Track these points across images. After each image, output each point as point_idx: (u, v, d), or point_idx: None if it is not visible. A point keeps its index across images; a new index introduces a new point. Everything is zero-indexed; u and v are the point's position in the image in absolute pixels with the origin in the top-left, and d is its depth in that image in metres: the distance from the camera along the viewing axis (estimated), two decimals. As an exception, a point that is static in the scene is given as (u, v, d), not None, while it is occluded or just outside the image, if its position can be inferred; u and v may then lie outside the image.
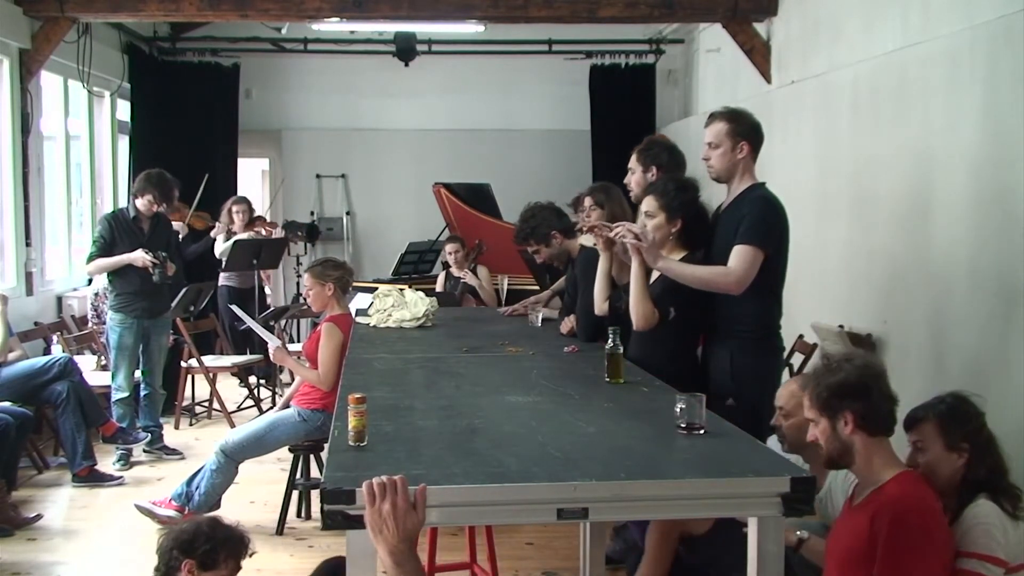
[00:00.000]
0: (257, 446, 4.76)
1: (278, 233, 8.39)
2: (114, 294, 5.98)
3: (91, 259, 5.95)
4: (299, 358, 5.08)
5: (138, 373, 6.14)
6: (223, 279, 7.93)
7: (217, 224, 7.85)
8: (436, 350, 4.07)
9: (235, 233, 7.88)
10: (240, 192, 9.20)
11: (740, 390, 3.50)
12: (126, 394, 6.00)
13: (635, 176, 4.18)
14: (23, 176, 6.77)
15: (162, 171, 6.06)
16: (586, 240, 4.27)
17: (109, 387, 6.33)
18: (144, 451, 6.09)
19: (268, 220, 8.61)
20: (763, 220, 3.50)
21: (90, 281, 7.59)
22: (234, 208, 7.98)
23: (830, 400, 2.64)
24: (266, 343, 5.04)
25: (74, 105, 7.94)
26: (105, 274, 6.13)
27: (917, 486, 2.63)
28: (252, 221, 8.12)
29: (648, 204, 3.64)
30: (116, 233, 5.91)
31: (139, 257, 5.82)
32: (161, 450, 6.18)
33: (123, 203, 8.38)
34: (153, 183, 5.93)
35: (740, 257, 3.45)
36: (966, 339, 4.39)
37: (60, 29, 6.84)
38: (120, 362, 5.97)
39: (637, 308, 3.50)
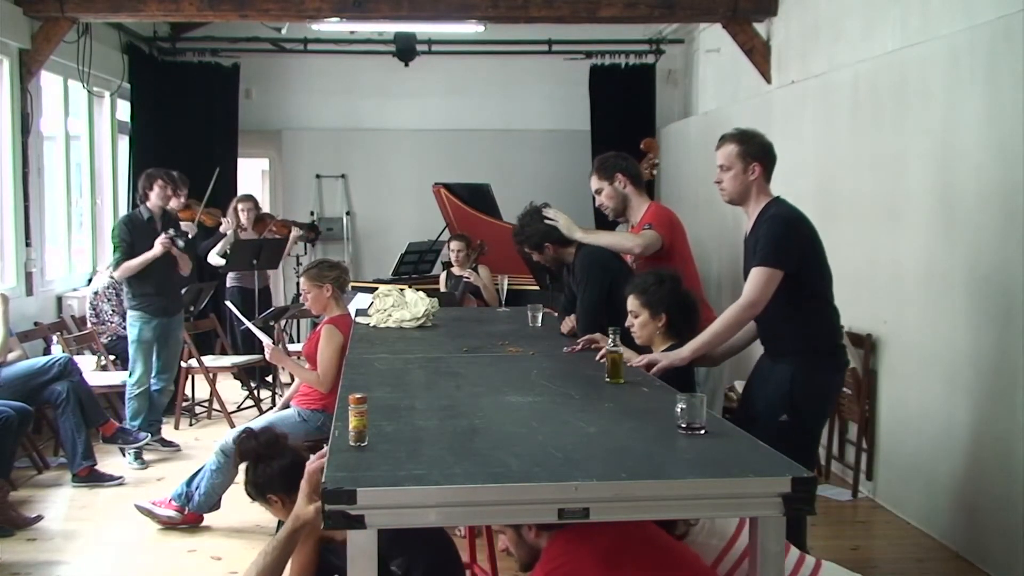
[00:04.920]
0: None
1: (294, 233, 8.36)
2: (131, 294, 6.04)
3: (118, 264, 5.99)
4: (299, 358, 5.08)
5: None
6: (231, 280, 7.93)
7: (225, 221, 7.82)
8: (436, 350, 4.06)
9: (244, 230, 7.87)
10: (241, 192, 9.19)
11: (797, 407, 3.48)
12: (143, 388, 6.06)
13: (605, 192, 4.41)
14: (23, 176, 6.77)
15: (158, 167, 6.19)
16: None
17: (109, 387, 6.42)
18: (121, 453, 6.09)
19: (279, 219, 8.57)
20: (772, 239, 3.47)
21: (89, 281, 7.60)
22: (240, 206, 7.95)
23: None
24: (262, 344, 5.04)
25: (74, 105, 7.93)
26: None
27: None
28: (260, 219, 8.10)
29: (631, 303, 3.67)
30: (134, 234, 5.97)
31: (160, 243, 5.90)
32: (159, 442, 6.20)
33: (123, 203, 8.40)
34: (155, 172, 6.07)
35: (751, 280, 3.47)
36: (966, 339, 4.39)
37: (60, 29, 6.84)
38: (137, 357, 6.03)
39: None
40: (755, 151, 3.61)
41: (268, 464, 3.15)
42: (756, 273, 3.45)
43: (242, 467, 3.33)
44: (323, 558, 2.97)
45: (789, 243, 3.48)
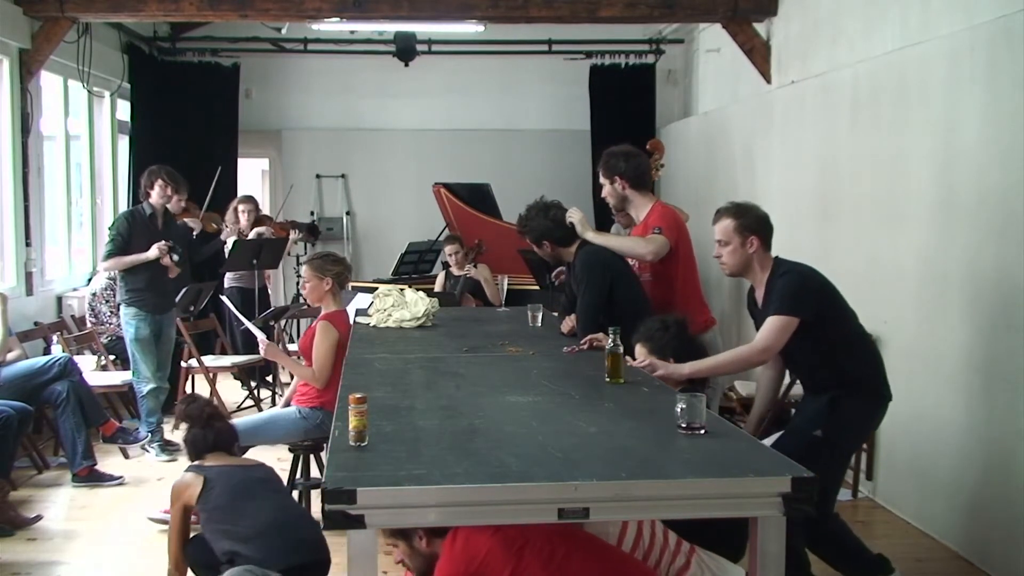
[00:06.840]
0: (254, 434, 4.67)
1: (293, 236, 8.36)
2: (125, 289, 6.05)
3: (109, 256, 5.99)
4: (298, 357, 5.08)
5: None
6: (229, 280, 7.93)
7: (226, 227, 7.82)
8: (436, 350, 4.07)
9: (244, 234, 7.86)
10: (241, 192, 9.20)
11: (833, 426, 3.52)
12: (154, 385, 6.07)
13: (605, 189, 4.55)
14: (23, 176, 6.77)
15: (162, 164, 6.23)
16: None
17: (109, 387, 6.42)
18: (142, 448, 6.10)
19: (278, 221, 8.57)
20: (785, 291, 3.53)
21: (89, 281, 7.60)
22: (240, 207, 7.97)
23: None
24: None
25: (74, 105, 7.93)
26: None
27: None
28: (259, 220, 8.11)
29: (639, 352, 3.68)
30: (133, 230, 5.98)
31: (155, 249, 5.91)
32: (159, 442, 6.20)
33: (123, 203, 8.40)
34: (157, 170, 6.10)
35: (765, 326, 3.53)
36: (966, 339, 4.39)
37: (60, 29, 6.84)
38: (140, 355, 6.04)
39: None
40: (751, 224, 3.65)
41: (189, 429, 3.84)
42: (771, 321, 3.51)
43: None
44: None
45: (805, 292, 3.54)
